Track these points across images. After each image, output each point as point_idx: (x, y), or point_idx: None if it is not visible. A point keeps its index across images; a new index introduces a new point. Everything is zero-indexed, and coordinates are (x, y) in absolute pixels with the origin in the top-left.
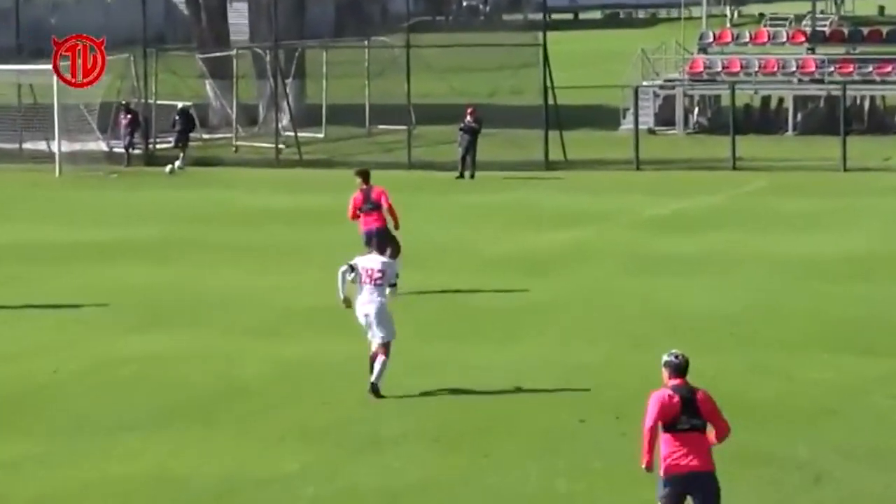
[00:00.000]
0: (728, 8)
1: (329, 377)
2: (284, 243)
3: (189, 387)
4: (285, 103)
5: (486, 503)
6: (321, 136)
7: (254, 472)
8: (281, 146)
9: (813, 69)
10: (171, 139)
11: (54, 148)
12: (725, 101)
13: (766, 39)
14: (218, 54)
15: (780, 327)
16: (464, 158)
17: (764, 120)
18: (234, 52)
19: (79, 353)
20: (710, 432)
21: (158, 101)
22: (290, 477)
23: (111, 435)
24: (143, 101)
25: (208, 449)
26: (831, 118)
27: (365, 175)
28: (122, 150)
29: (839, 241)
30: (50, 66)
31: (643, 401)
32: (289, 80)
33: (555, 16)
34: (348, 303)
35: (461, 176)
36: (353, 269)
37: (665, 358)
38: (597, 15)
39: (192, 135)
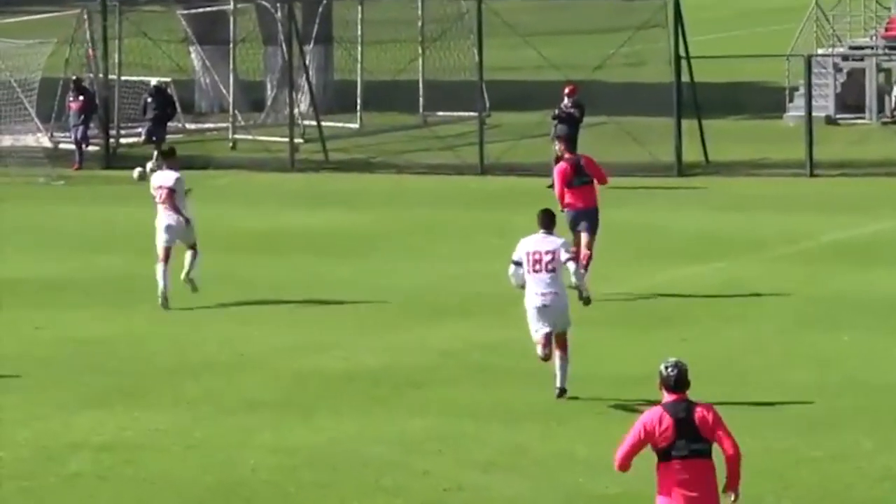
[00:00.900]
0: None
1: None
2: (305, 282)
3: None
4: (304, 80)
5: None
6: (355, 126)
7: None
8: (298, 141)
9: None
10: (140, 130)
11: None
12: None
13: None
14: (208, 9)
15: None
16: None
17: None
18: (230, 6)
19: None
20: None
21: (123, 77)
22: None
23: None
24: (101, 76)
25: None
26: None
27: (568, 141)
28: (72, 146)
29: None
30: None
31: None
32: (309, 47)
33: None
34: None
35: None
36: (518, 263)
37: (660, 369)
38: None
39: (170, 124)
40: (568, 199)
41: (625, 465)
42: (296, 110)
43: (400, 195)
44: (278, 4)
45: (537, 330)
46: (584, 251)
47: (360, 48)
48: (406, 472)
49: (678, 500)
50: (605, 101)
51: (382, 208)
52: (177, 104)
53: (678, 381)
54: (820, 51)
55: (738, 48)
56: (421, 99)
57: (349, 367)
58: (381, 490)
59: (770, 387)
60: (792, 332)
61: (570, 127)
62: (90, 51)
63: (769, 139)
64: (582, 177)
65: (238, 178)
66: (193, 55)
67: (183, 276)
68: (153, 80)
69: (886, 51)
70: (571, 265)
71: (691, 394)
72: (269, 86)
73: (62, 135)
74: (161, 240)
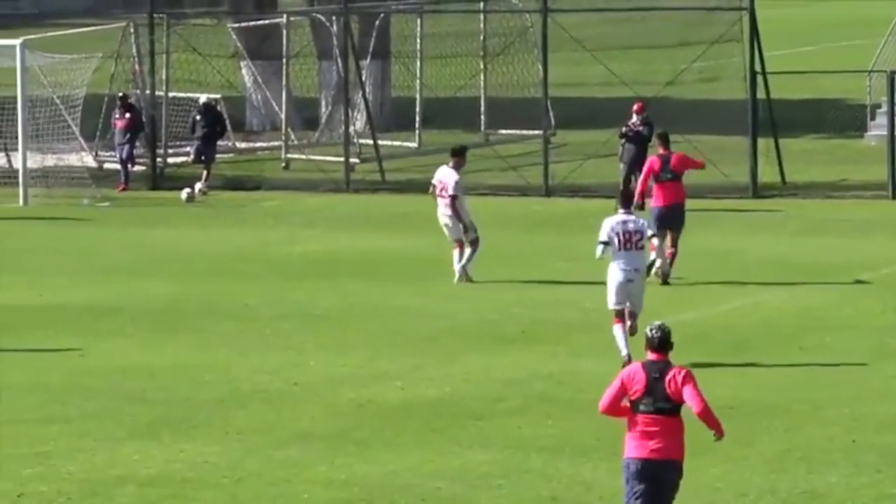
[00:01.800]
0: None
1: None
2: (360, 308)
3: None
4: (360, 96)
5: None
6: (413, 145)
7: None
8: (354, 160)
9: None
10: (189, 149)
11: (17, 163)
12: None
13: None
14: (260, 23)
15: None
16: (628, 179)
17: None
18: (283, 19)
19: None
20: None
21: (171, 93)
22: None
23: None
24: (147, 92)
25: None
26: None
27: (664, 139)
28: (118, 166)
29: None
30: (13, 42)
31: None
32: (365, 62)
33: None
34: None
35: None
36: (605, 243)
37: (646, 330)
38: None
39: (220, 143)
40: (655, 193)
41: (607, 409)
42: (351, 128)
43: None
44: (334, 18)
45: (618, 303)
46: (668, 249)
47: (419, 63)
48: None
49: (640, 448)
50: (676, 118)
51: (441, 232)
52: (227, 122)
53: (661, 342)
54: None
55: (817, 63)
56: (482, 116)
57: (407, 398)
58: None
59: (847, 419)
60: (870, 363)
61: (638, 146)
62: (136, 66)
63: (849, 159)
64: (669, 172)
65: (291, 200)
66: (244, 71)
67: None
68: (202, 97)
69: None
70: (655, 241)
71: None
72: (323, 103)
73: (107, 154)
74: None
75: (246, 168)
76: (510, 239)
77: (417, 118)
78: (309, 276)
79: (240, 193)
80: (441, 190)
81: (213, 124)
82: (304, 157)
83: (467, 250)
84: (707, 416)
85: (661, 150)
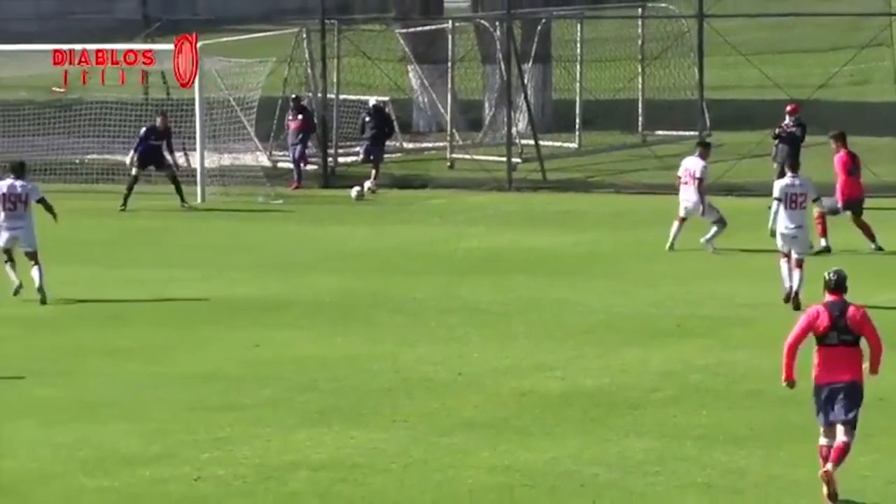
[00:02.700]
0: None
1: None
2: (522, 302)
3: None
4: (522, 99)
5: None
6: (573, 146)
7: None
8: (516, 160)
9: None
10: (359, 149)
11: (195, 163)
12: None
13: None
14: (427, 28)
15: None
16: (781, 176)
17: None
18: (449, 25)
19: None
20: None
21: (342, 96)
22: None
23: None
24: (319, 95)
25: None
26: None
27: (841, 138)
28: (291, 165)
29: None
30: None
31: None
32: (528, 66)
33: None
34: (773, 233)
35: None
36: (779, 199)
37: (824, 274)
38: None
39: (388, 143)
40: (844, 186)
41: (792, 344)
42: (514, 130)
43: (618, 215)
44: (497, 23)
45: (782, 246)
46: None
47: (579, 67)
48: (623, 493)
49: (828, 375)
50: (828, 120)
51: (600, 228)
52: (395, 123)
53: (838, 284)
54: None
55: None
56: (640, 118)
57: (566, 388)
58: None
59: None
60: None
61: (791, 146)
62: (309, 69)
63: None
64: (858, 168)
65: (455, 198)
66: (412, 74)
67: None
68: (371, 100)
69: None
70: (826, 200)
71: None
72: (486, 105)
73: (281, 154)
74: None
75: (413, 167)
76: (666, 236)
77: (577, 120)
78: (473, 272)
79: (407, 192)
80: (687, 176)
81: (381, 125)
82: (468, 157)
83: (713, 228)
84: (878, 353)
85: (841, 148)
